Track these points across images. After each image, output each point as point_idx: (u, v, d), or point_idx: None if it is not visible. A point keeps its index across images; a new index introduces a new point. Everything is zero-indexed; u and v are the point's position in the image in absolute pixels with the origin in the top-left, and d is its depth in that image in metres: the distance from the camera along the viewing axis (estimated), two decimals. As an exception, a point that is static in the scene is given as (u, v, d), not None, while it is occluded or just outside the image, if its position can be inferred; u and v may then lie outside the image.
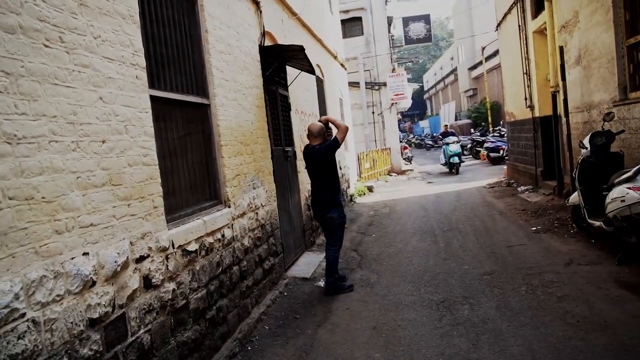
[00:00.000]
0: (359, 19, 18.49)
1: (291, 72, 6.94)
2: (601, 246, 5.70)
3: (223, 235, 3.99)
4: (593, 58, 7.02)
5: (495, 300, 4.52)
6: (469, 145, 22.55)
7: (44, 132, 2.15)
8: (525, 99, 10.61)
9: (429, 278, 5.38)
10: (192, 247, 3.43)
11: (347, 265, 6.22)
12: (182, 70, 3.72)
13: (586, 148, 5.66)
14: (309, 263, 6.33)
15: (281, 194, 5.94)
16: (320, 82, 9.53)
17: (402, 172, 18.18)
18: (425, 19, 22.58)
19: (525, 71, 10.47)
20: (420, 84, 51.12)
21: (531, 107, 10.43)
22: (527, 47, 10.35)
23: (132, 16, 2.94)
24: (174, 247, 3.16)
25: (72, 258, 2.25)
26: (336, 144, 4.94)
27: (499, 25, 12.94)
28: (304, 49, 5.61)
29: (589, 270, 5.00)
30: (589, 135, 5.76)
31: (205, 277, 3.61)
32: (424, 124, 47.17)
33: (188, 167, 3.70)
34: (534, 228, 7.14)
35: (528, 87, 10.45)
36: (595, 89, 7.06)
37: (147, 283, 2.84)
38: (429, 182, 15.31)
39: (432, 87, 51.90)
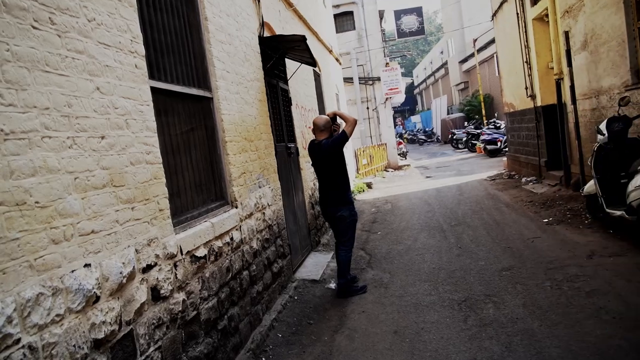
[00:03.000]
0: (350, 13, 18.21)
1: (290, 65, 6.65)
2: (621, 236, 5.48)
3: (232, 238, 3.70)
4: (601, 42, 6.80)
5: (520, 297, 4.27)
6: (464, 139, 22.36)
7: (35, 127, 1.86)
8: (526, 88, 10.40)
9: (445, 276, 5.13)
10: (201, 252, 3.14)
11: (356, 265, 5.95)
12: (182, 60, 3.42)
13: (604, 134, 5.43)
14: (316, 264, 6.06)
15: (286, 192, 5.66)
16: (317, 77, 9.25)
17: (399, 168, 17.95)
18: (418, 11, 22.34)
19: (525, 60, 10.26)
20: (411, 79, 50.95)
21: (532, 97, 10.22)
22: (526, 35, 10.13)
23: (129, -2, 2.64)
24: (182, 254, 2.87)
25: (73, 271, 1.95)
26: (345, 137, 4.66)
27: (494, 14, 12.73)
28: (306, 39, 5.32)
29: (614, 263, 4.77)
30: (605, 121, 5.54)
31: (216, 284, 3.32)
32: (416, 118, 47.01)
33: (192, 165, 3.41)
34: (546, 220, 6.92)
35: (529, 76, 10.24)
36: (605, 74, 6.84)
37: (156, 294, 2.55)
38: (427, 177, 15.08)
39: (422, 82, 51.76)
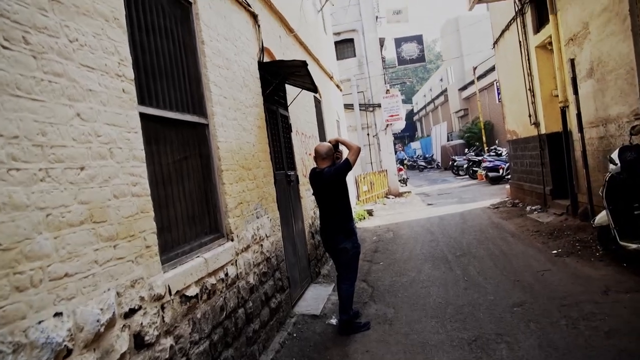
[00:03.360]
0: (351, 40, 18.28)
1: (290, 91, 6.50)
2: (636, 271, 5.22)
3: (226, 274, 3.45)
4: (608, 70, 6.67)
5: (534, 337, 3.99)
6: (465, 165, 22.21)
7: (0, 158, 1.64)
8: (530, 116, 10.26)
9: (453, 312, 4.85)
10: (192, 291, 2.89)
11: (359, 298, 5.65)
12: (176, 85, 3.23)
13: (616, 164, 5.22)
14: (316, 297, 5.77)
15: (285, 222, 5.42)
16: (318, 103, 9.12)
17: (400, 195, 17.73)
18: (418, 39, 22.49)
19: (528, 87, 10.15)
20: (411, 105, 51.19)
21: (536, 124, 10.08)
22: (529, 62, 10.05)
23: (117, 19, 2.46)
24: (170, 294, 2.62)
25: (40, 322, 1.71)
26: (348, 166, 4.45)
27: (496, 42, 12.71)
28: (307, 64, 5.17)
29: (632, 299, 4.50)
30: (618, 150, 5.34)
31: (208, 325, 3.05)
32: (415, 145, 47.06)
33: (185, 196, 3.19)
34: (555, 251, 6.66)
35: (532, 103, 10.11)
36: (612, 102, 6.69)
37: (139, 342, 2.29)
38: (428, 204, 14.83)
39: (421, 109, 52.00)
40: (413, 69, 51.22)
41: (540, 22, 9.37)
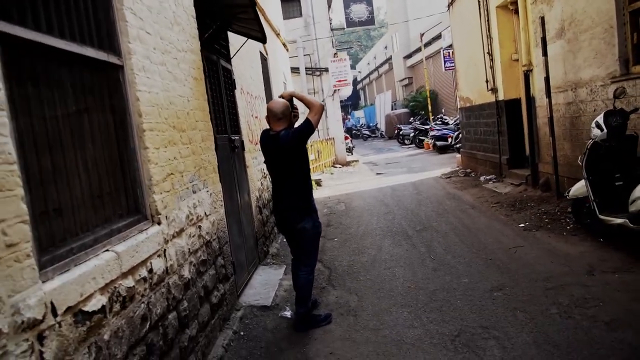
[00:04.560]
0: (297, -2, 17.12)
1: (234, 41, 5.49)
2: (616, 246, 4.81)
3: (151, 271, 2.55)
4: (582, 29, 6.15)
5: (527, 330, 3.41)
6: (411, 134, 21.89)
7: None
8: (487, 81, 9.77)
9: (426, 299, 4.21)
10: (96, 303, 1.98)
11: (315, 282, 4.89)
12: (71, 2, 2.22)
13: (603, 130, 4.71)
14: (266, 283, 4.96)
15: (228, 196, 4.52)
16: (264, 61, 8.10)
17: (347, 164, 17.11)
18: (367, 0, 21.53)
19: (487, 51, 9.61)
20: (355, 72, 50.46)
21: (494, 90, 9.61)
22: (489, 24, 9.48)
23: None
24: (56, 315, 1.71)
25: None
26: (310, 128, 3.59)
27: (451, 3, 12.08)
28: (255, 4, 4.21)
29: (622, 281, 4.03)
30: (602, 115, 4.82)
31: (122, 347, 2.16)
32: (359, 114, 46.62)
33: (86, 165, 2.22)
34: (522, 225, 6.21)
35: (490, 68, 9.60)
36: (585, 65, 6.20)
37: (-8, 405, 1.38)
38: (378, 174, 14.31)
39: (365, 77, 51.42)
40: (357, 36, 50.41)
41: (504, -21, 8.77)
